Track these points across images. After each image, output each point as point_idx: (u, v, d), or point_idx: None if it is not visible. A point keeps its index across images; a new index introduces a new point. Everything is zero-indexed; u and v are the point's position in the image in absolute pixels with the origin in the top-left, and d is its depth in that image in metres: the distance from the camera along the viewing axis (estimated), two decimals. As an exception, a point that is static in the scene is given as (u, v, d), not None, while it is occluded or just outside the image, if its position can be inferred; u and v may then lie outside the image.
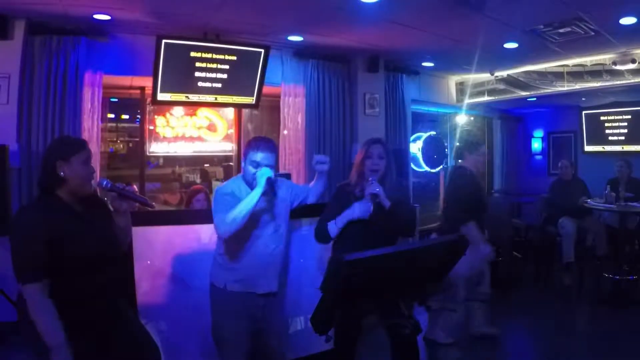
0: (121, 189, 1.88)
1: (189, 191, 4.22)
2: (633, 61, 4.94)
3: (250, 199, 2.14)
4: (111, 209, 1.94)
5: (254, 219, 2.25)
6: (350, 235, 2.41)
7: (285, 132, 5.36)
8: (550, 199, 5.61)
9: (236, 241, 2.26)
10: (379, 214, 2.35)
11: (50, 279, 1.70)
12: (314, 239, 2.55)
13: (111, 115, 6.02)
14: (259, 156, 2.25)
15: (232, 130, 5.64)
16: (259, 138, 2.38)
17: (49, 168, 1.78)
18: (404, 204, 2.47)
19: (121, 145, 6.81)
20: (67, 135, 2.10)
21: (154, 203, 2.12)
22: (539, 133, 8.33)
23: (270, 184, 2.17)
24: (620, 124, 6.96)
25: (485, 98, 6.81)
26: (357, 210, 2.36)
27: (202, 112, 5.63)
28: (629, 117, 6.85)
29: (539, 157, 8.34)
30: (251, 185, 2.26)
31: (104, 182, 1.88)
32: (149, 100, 5.06)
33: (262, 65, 4.82)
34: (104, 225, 1.92)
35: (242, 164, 2.35)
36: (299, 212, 2.66)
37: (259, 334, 2.37)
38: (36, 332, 1.64)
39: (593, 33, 4.39)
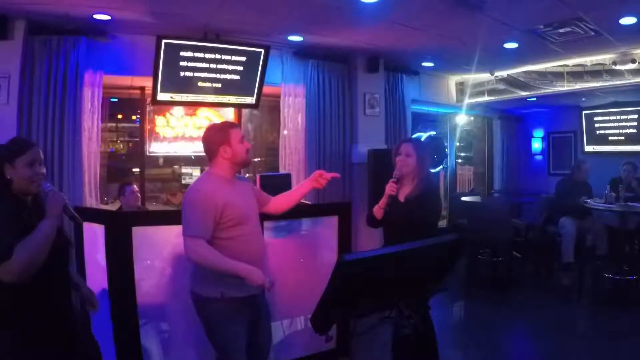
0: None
1: None
2: (633, 61, 4.94)
3: None
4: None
5: (242, 214, 2.15)
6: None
7: (285, 132, 5.35)
8: (556, 198, 5.58)
9: (230, 243, 2.11)
10: (396, 211, 2.60)
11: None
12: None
13: (111, 115, 6.02)
14: (239, 132, 2.23)
15: (232, 131, 5.65)
16: (223, 122, 2.42)
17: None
18: (421, 203, 2.60)
19: (121, 145, 6.80)
20: (17, 137, 2.06)
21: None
22: (539, 133, 8.32)
23: None
24: (620, 124, 6.96)
25: (485, 98, 6.81)
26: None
27: (202, 112, 5.63)
28: (629, 117, 6.84)
29: (539, 157, 8.33)
30: (243, 164, 2.26)
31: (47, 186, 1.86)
32: (149, 100, 5.06)
33: (262, 65, 4.82)
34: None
35: (223, 149, 2.15)
36: (299, 212, 2.67)
37: (252, 331, 2.27)
38: None
39: (593, 33, 4.39)
